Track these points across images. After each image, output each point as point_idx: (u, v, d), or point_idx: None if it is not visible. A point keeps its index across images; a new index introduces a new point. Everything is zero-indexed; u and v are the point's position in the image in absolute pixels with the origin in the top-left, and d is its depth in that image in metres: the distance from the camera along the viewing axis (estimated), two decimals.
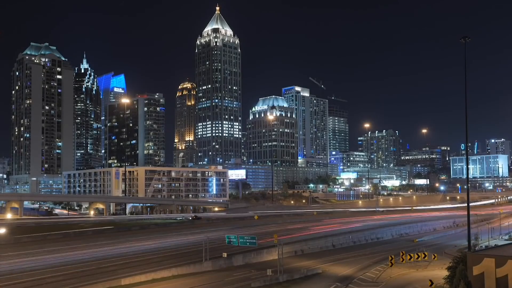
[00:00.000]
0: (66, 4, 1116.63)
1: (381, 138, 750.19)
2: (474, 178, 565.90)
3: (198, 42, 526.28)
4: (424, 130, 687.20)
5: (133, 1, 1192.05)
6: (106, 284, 70.05)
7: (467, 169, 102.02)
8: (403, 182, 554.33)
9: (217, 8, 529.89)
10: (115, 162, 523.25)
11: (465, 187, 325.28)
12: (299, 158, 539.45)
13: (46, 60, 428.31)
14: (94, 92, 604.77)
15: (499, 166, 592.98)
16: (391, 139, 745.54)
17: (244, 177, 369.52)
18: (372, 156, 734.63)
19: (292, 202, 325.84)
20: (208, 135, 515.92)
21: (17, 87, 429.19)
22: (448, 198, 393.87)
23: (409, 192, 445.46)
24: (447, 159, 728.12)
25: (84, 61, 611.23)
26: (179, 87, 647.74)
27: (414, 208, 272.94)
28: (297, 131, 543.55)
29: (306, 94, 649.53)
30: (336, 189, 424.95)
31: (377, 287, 74.83)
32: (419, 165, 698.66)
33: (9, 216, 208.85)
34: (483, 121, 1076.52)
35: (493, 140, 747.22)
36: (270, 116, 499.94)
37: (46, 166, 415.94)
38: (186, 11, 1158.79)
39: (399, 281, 78.53)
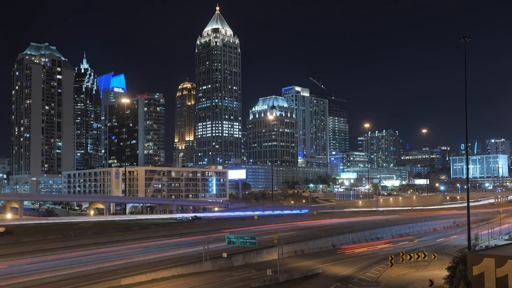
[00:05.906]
0: (66, 4, 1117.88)
1: (381, 138, 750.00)
2: (474, 178, 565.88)
3: (198, 42, 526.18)
4: (424, 130, 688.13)
5: (133, 1, 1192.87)
6: (106, 284, 70.08)
7: (467, 169, 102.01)
8: (403, 182, 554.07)
9: (217, 8, 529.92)
10: (115, 162, 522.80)
11: (465, 187, 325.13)
12: (299, 158, 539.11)
13: (46, 60, 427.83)
14: (94, 92, 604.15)
15: (499, 166, 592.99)
16: (391, 139, 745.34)
17: (244, 177, 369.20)
18: (372, 156, 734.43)
19: (292, 202, 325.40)
20: (208, 135, 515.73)
21: (17, 87, 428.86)
22: (448, 198, 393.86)
23: (409, 192, 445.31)
24: (447, 159, 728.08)
25: (84, 61, 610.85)
26: (179, 87, 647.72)
27: (414, 207, 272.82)
28: (297, 131, 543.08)
29: (306, 94, 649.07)
30: (336, 189, 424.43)
31: (377, 287, 74.82)
32: (419, 165, 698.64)
33: (9, 216, 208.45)
34: (483, 121, 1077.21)
35: (493, 140, 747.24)
36: (270, 116, 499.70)
37: (46, 166, 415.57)
38: (186, 11, 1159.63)
39: (399, 281, 78.49)
